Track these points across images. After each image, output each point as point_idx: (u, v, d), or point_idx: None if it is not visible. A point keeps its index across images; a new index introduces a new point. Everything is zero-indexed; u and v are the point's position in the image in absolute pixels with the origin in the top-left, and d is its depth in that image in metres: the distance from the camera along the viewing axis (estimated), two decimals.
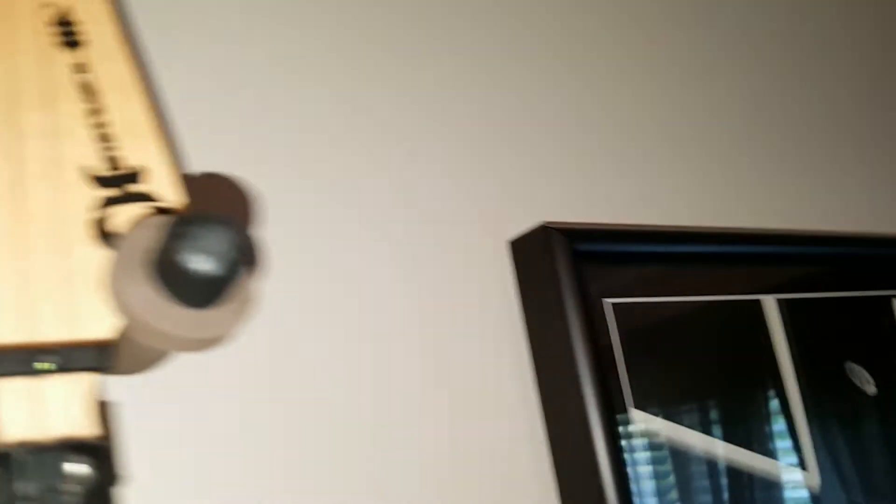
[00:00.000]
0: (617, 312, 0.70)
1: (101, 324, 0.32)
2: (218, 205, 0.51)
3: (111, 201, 0.34)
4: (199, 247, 0.30)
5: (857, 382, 0.86)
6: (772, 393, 0.78)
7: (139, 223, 0.33)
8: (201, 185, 0.52)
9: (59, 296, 0.31)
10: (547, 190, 0.74)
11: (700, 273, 0.78)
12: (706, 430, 0.72)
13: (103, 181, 0.34)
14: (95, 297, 0.32)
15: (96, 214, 0.34)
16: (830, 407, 0.81)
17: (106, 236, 0.33)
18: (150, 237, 0.31)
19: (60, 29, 0.35)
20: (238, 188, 0.54)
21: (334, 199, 0.63)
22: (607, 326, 0.69)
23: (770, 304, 0.81)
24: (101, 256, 0.33)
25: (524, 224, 0.70)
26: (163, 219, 0.32)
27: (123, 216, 0.34)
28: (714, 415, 0.74)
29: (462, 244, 0.68)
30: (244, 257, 0.30)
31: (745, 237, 0.82)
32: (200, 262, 0.30)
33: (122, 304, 0.31)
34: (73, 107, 0.34)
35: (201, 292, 0.31)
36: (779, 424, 0.78)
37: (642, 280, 0.74)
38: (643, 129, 0.83)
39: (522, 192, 0.72)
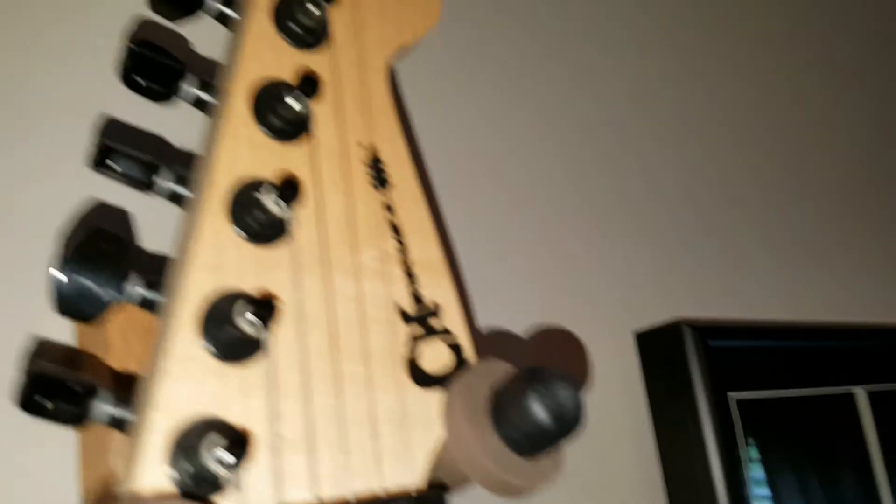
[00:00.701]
0: (742, 407, 0.72)
1: (427, 463, 0.33)
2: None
3: (417, 338, 0.36)
4: (551, 404, 0.31)
5: None
6: (866, 482, 0.81)
7: (472, 368, 0.34)
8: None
9: (398, 437, 0.33)
10: (672, 284, 0.76)
11: (820, 366, 0.81)
12: None
13: (410, 318, 0.36)
14: (426, 437, 0.33)
15: (409, 352, 0.35)
16: None
17: (420, 374, 0.35)
18: (488, 384, 0.33)
19: (372, 169, 0.37)
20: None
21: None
22: (733, 422, 0.71)
23: (861, 396, 0.84)
24: (424, 396, 0.34)
25: (643, 315, 0.72)
26: (501, 366, 0.34)
27: (429, 353, 0.36)
28: None
29: (588, 333, 0.70)
30: (582, 415, 0.32)
31: (861, 332, 0.86)
32: (549, 418, 0.31)
33: (466, 451, 0.32)
34: (390, 246, 0.36)
35: (539, 445, 0.32)
36: None
37: (766, 373, 0.76)
38: (770, 224, 0.86)
39: (645, 283, 0.75)
